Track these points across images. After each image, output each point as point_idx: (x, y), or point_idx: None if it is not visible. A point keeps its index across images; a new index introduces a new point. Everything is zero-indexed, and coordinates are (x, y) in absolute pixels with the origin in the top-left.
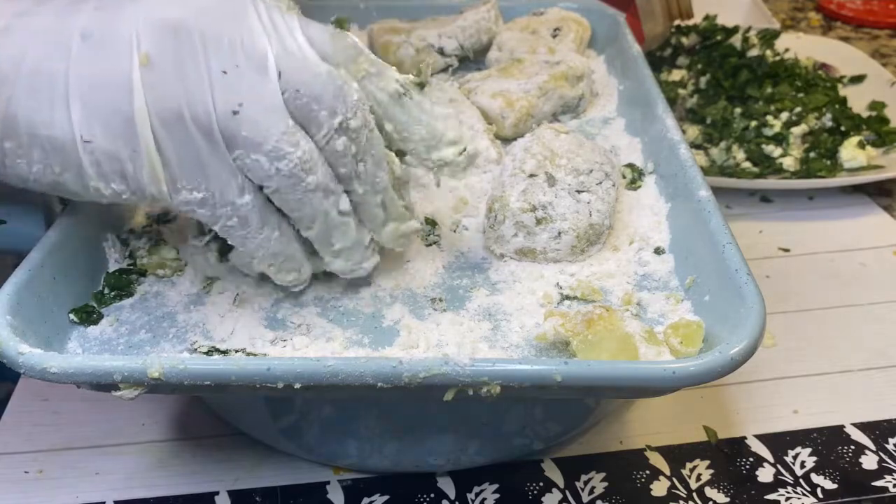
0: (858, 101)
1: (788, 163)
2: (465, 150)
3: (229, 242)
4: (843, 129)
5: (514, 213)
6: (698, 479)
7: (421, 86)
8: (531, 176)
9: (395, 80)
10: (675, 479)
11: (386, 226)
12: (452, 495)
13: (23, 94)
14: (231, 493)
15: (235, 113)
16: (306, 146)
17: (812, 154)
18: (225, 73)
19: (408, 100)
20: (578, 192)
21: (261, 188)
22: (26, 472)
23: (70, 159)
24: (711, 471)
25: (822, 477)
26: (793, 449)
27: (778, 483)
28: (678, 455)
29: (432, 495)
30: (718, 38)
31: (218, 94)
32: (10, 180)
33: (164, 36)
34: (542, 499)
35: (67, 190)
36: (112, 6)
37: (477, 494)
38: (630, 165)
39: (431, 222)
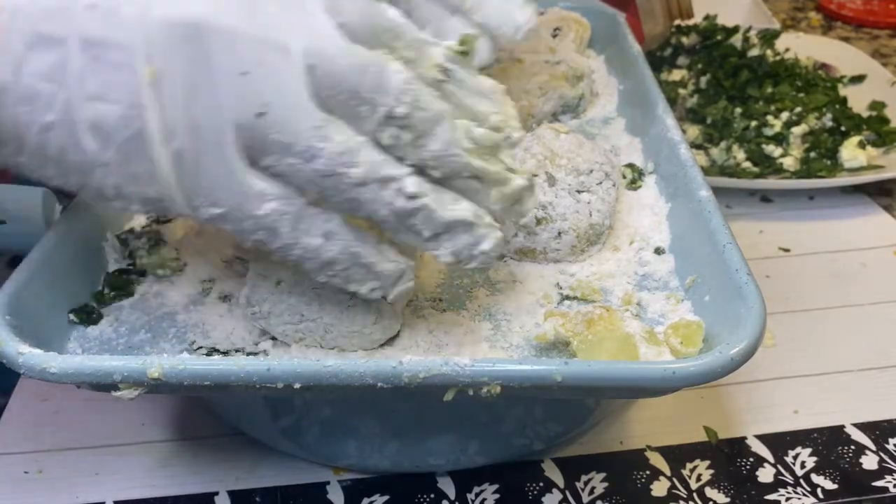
0: (859, 101)
1: (789, 163)
2: (509, 137)
3: (274, 258)
4: (843, 129)
5: None
6: (698, 479)
7: (464, 54)
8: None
9: (435, 65)
10: (675, 480)
11: (489, 194)
12: (452, 495)
13: (25, 109)
14: (231, 493)
15: (260, 115)
16: (340, 137)
17: (812, 154)
18: (246, 73)
19: (447, 86)
20: (578, 191)
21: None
22: (26, 472)
23: (88, 180)
24: (712, 471)
25: (822, 477)
26: (793, 449)
27: (778, 483)
28: (678, 455)
29: (432, 495)
30: (718, 37)
31: (238, 98)
32: (34, 180)
33: (175, 44)
34: (543, 499)
35: (91, 199)
36: (109, 4)
37: (477, 494)
38: (630, 165)
39: None
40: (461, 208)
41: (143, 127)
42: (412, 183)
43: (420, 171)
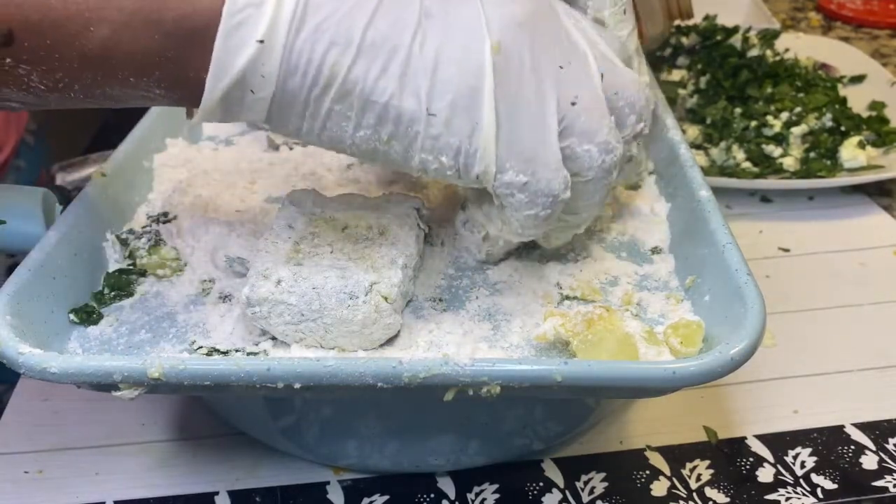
0: (858, 101)
1: (788, 163)
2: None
3: (518, 227)
4: (843, 129)
5: None
6: (698, 479)
7: None
8: None
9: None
10: (675, 479)
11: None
12: (452, 495)
13: (365, 61)
14: (231, 493)
15: (573, 104)
16: (618, 137)
17: (812, 154)
18: (561, 67)
19: None
20: None
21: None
22: (26, 472)
23: (406, 130)
24: (711, 471)
25: (822, 477)
26: (793, 449)
27: (778, 483)
28: (678, 455)
29: (432, 495)
30: (718, 38)
31: (559, 85)
32: (321, 143)
33: (512, 27)
34: (542, 499)
35: (386, 158)
36: None
37: (477, 494)
38: None
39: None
40: None
41: (480, 88)
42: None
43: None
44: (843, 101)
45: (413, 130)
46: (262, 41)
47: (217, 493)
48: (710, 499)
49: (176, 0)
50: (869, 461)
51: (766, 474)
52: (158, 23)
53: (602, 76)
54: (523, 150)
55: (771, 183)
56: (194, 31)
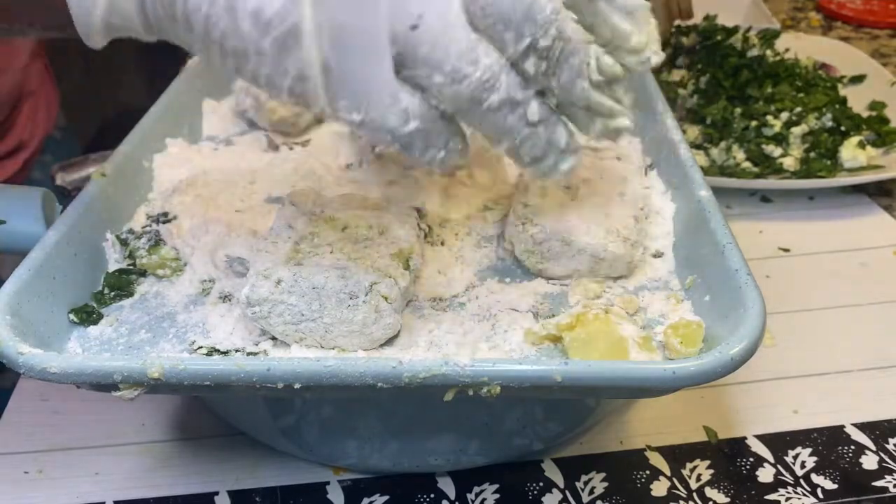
0: (858, 101)
1: (788, 163)
2: (647, 59)
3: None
4: (843, 129)
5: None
6: (698, 479)
7: None
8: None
9: None
10: (675, 480)
11: (592, 125)
12: (452, 495)
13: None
14: (231, 493)
15: (414, 27)
16: (487, 61)
17: (812, 154)
18: None
19: (599, 3)
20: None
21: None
22: (26, 472)
23: (244, 65)
24: (712, 471)
25: (822, 477)
26: (793, 449)
27: (778, 483)
28: (678, 455)
29: (432, 495)
30: (718, 38)
31: (394, 6)
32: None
33: None
34: (542, 499)
35: (247, 81)
36: None
37: (477, 494)
38: None
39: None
40: (560, 135)
41: (299, 22)
42: (534, 112)
43: (541, 94)
44: (843, 101)
45: (249, 67)
46: None
47: (217, 493)
48: (710, 499)
49: None
50: (869, 461)
51: (766, 474)
52: None
53: None
54: (354, 85)
55: (771, 183)
56: None
